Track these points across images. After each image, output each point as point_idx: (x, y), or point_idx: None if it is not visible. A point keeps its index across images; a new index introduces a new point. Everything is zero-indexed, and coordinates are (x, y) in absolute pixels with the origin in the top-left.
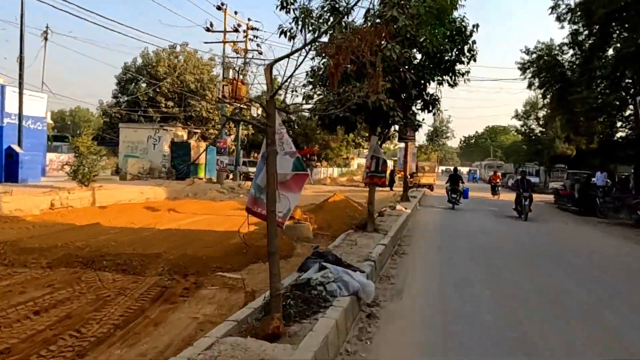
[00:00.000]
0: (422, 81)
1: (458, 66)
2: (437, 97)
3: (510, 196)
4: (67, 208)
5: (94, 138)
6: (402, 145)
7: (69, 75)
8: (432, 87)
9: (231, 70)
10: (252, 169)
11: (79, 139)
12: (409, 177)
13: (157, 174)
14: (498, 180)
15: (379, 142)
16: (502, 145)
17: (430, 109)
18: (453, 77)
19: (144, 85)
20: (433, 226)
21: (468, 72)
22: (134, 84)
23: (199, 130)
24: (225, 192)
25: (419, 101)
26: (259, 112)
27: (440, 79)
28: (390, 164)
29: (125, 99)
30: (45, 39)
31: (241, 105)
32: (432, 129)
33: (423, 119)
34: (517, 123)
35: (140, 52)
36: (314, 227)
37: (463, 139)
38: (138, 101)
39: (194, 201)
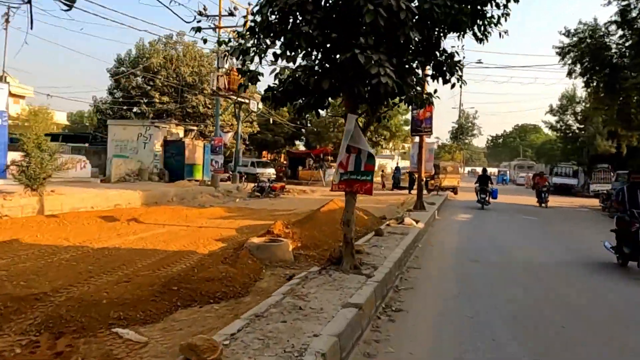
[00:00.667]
0: (430, 23)
1: (489, 9)
2: (456, 57)
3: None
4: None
5: (91, 137)
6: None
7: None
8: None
9: (227, 60)
10: (262, 170)
11: (26, 134)
12: (425, 178)
13: (147, 175)
14: (545, 184)
15: (363, 125)
16: (533, 144)
17: (447, 76)
18: (483, 26)
19: (138, 79)
20: (453, 252)
21: (506, 16)
22: (125, 78)
23: (195, 127)
24: (219, 197)
25: (428, 66)
26: (260, 106)
27: (465, 23)
28: (405, 164)
29: (119, 94)
30: (7, 21)
31: (240, 99)
32: (456, 125)
33: (436, 92)
34: (552, 119)
35: (136, 43)
36: (296, 246)
37: (490, 138)
38: (131, 97)
39: (168, 208)
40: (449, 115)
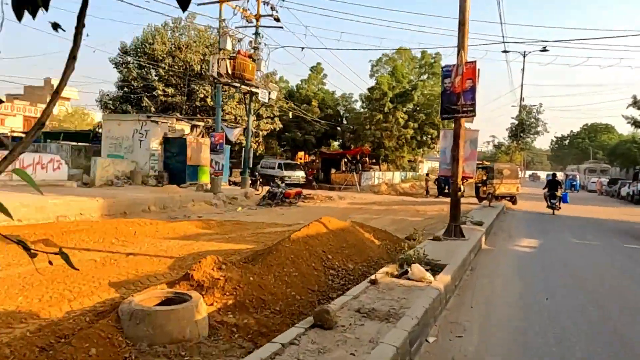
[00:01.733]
0: None
1: None
2: None
3: None
4: None
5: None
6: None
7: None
8: None
9: (229, 40)
10: (290, 173)
11: None
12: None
13: (142, 179)
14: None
15: None
16: (604, 145)
17: None
18: None
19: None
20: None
21: None
22: (125, 67)
23: (201, 123)
24: (217, 205)
25: None
26: (273, 96)
27: None
28: (426, 166)
29: (119, 84)
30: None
31: (246, 87)
32: (515, 122)
33: None
34: (636, 113)
35: (144, 28)
36: (223, 306)
37: (554, 139)
38: (132, 89)
39: (116, 222)
40: (507, 112)
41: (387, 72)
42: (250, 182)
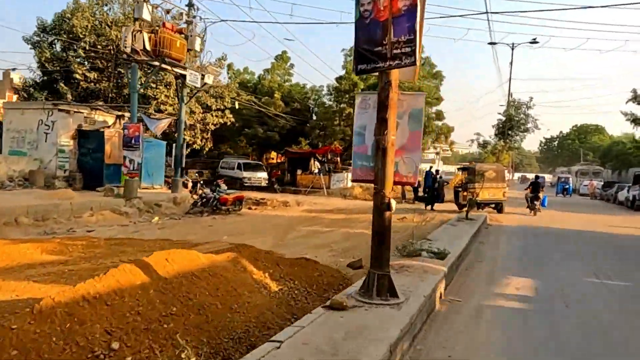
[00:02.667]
0: None
1: None
2: None
3: None
4: None
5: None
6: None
7: None
8: None
9: (146, 7)
10: (250, 174)
11: None
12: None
13: (45, 180)
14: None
15: None
16: (595, 147)
17: None
18: None
19: (56, 49)
20: None
21: None
22: (37, 48)
23: (127, 114)
24: (128, 215)
25: None
26: (208, 80)
27: None
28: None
29: (33, 68)
30: None
31: (176, 69)
32: (503, 118)
33: None
34: (637, 109)
35: (67, 2)
36: None
37: (543, 140)
38: (47, 72)
39: None
40: (495, 110)
41: None
42: (186, 184)
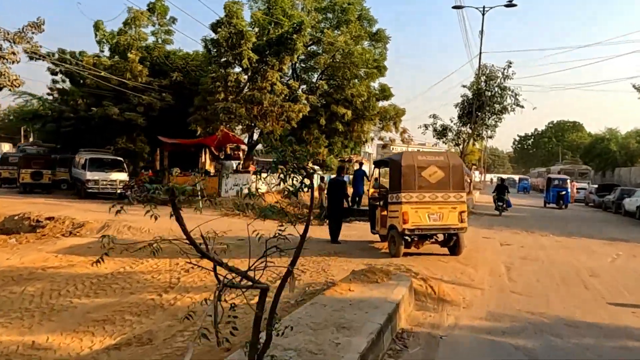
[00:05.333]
0: None
1: None
2: None
3: None
4: None
5: None
6: None
7: None
8: None
9: None
10: (103, 175)
11: None
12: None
13: None
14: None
15: None
16: (574, 145)
17: None
18: None
19: None
20: None
21: None
22: None
23: None
24: None
25: None
26: None
27: None
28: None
29: None
30: None
31: None
32: (469, 94)
33: None
34: None
35: None
36: None
37: (517, 139)
38: None
39: None
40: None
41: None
42: None
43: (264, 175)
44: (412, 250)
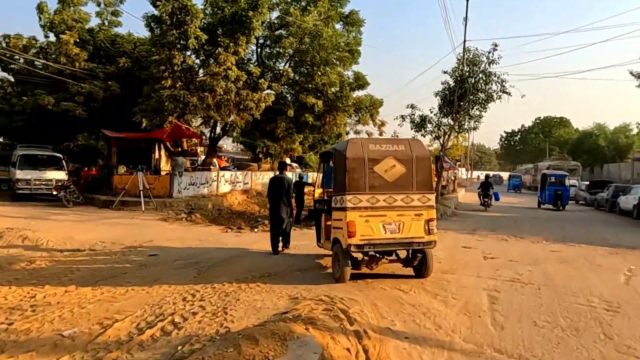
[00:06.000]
0: None
1: None
2: None
3: None
4: None
5: None
6: None
7: None
8: None
9: None
10: (35, 174)
11: None
12: None
13: None
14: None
15: None
16: (561, 141)
17: None
18: None
19: None
20: None
21: None
22: None
23: None
24: None
25: None
26: None
27: None
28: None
29: None
30: None
31: None
32: (451, 82)
33: None
34: None
35: None
36: None
37: (504, 135)
38: None
39: None
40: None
41: None
42: None
43: (227, 173)
44: (365, 271)
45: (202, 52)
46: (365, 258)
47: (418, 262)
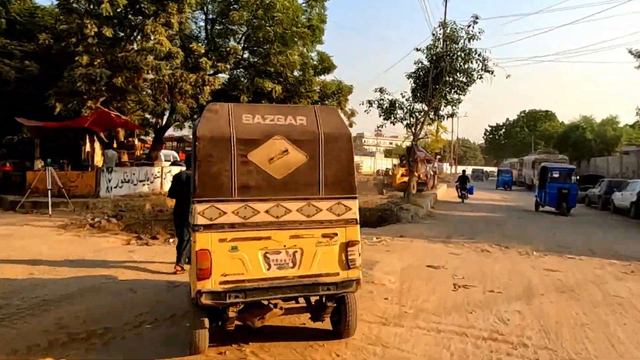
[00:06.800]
0: None
1: None
2: None
3: None
4: None
5: None
6: None
7: None
8: None
9: None
10: None
11: None
12: None
13: None
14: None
15: None
16: (547, 135)
17: None
18: None
19: None
20: None
21: None
22: None
23: None
24: None
25: None
26: None
27: None
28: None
29: None
30: None
31: None
32: (425, 62)
33: None
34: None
35: None
36: None
37: (488, 129)
38: None
39: None
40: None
41: None
42: None
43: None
44: (257, 324)
45: (126, 23)
46: (233, 314)
47: (332, 313)
